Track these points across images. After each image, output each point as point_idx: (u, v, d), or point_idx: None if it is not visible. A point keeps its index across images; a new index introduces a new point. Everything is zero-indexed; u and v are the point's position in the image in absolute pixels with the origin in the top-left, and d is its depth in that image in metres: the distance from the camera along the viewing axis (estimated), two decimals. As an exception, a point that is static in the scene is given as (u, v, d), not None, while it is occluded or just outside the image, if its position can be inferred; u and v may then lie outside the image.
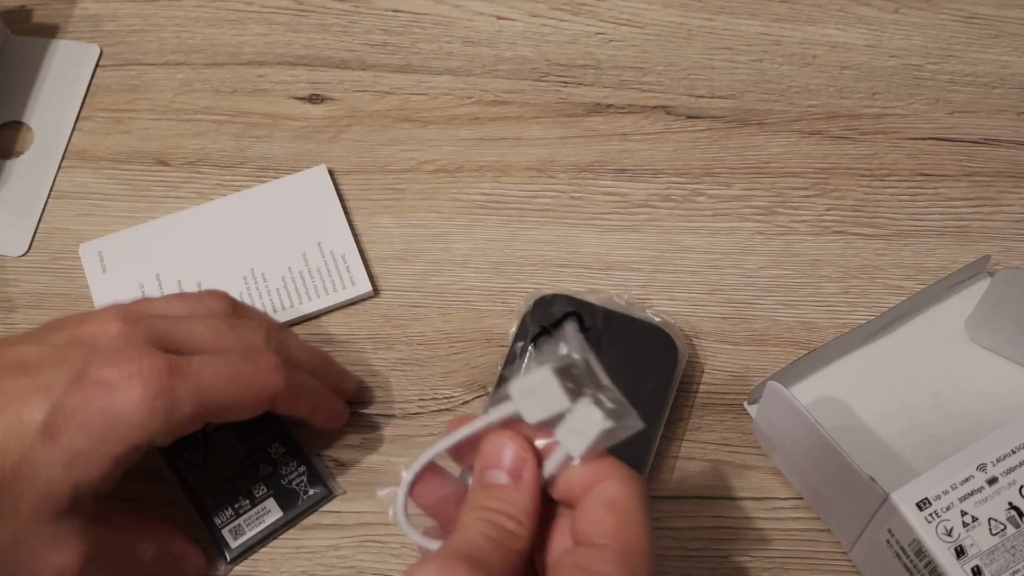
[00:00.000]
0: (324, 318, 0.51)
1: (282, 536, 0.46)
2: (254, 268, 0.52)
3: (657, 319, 0.49)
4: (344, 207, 0.53)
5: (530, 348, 0.48)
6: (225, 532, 0.46)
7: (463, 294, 0.52)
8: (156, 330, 0.41)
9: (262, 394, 0.42)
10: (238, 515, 0.46)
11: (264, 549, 0.46)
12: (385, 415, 0.49)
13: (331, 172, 0.54)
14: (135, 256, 0.52)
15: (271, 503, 0.46)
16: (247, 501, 0.46)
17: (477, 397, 0.49)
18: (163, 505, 0.47)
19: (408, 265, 0.52)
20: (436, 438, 0.48)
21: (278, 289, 0.51)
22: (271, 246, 0.52)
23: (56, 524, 0.39)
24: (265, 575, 0.46)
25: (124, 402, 0.39)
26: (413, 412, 0.49)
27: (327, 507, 0.47)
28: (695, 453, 0.48)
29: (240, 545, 0.45)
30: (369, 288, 0.51)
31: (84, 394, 0.39)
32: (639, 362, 0.48)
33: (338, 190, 0.54)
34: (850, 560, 0.45)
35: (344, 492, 0.47)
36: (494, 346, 0.50)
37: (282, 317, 0.50)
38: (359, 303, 0.51)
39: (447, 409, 0.49)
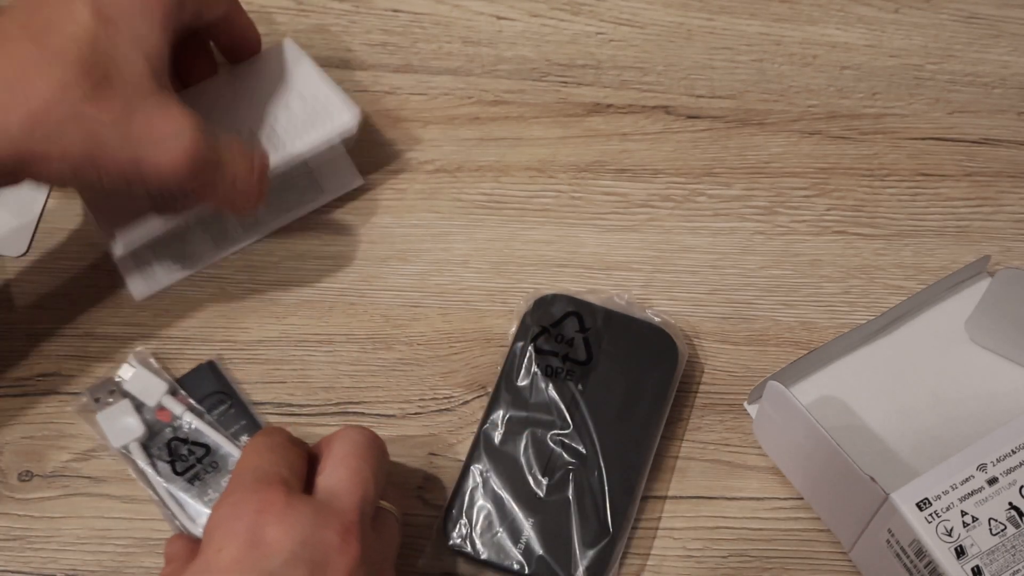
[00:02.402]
0: (324, 316, 0.51)
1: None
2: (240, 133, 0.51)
3: (657, 319, 0.49)
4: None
5: (530, 348, 0.48)
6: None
7: (463, 294, 0.52)
8: None
9: None
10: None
11: (264, 549, 0.46)
12: (385, 415, 0.49)
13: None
14: None
15: None
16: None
17: (477, 397, 0.49)
18: (138, 503, 0.47)
19: (408, 265, 0.52)
20: (435, 437, 0.48)
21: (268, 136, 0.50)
22: (252, 113, 0.51)
23: (158, 95, 0.43)
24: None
25: None
26: (413, 412, 0.49)
27: (327, 507, 0.47)
28: (695, 453, 0.48)
29: None
30: (354, 113, 0.51)
31: None
32: (639, 362, 0.48)
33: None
34: (850, 560, 0.45)
35: None
36: (494, 346, 0.50)
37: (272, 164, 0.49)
38: (359, 303, 0.51)
39: (447, 409, 0.49)
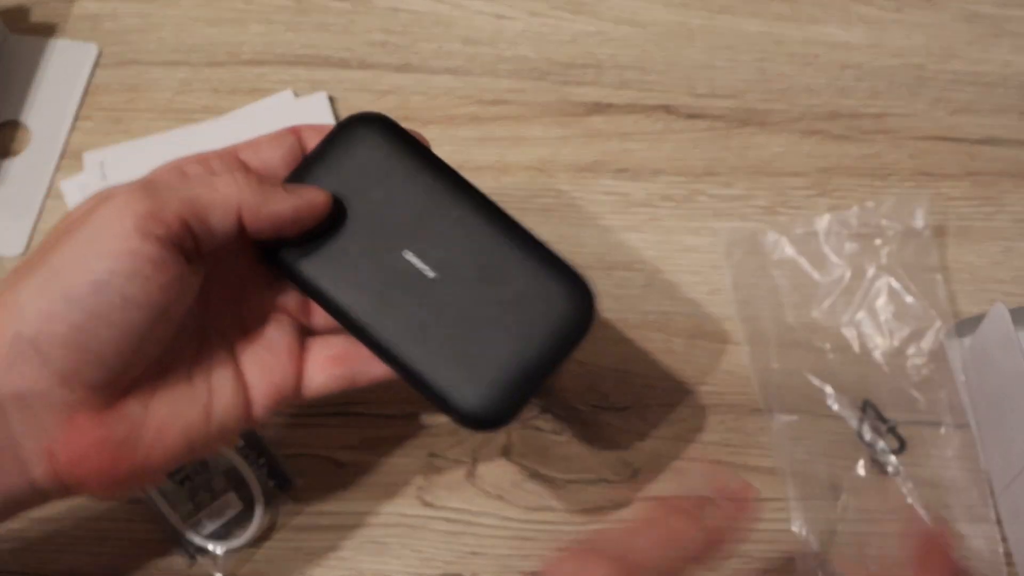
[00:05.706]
0: (323, 318, 0.51)
1: (281, 537, 0.46)
2: None
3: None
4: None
5: None
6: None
7: (463, 294, 0.51)
8: None
9: None
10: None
11: (263, 550, 0.46)
12: (385, 415, 0.49)
13: (332, 100, 0.55)
14: (138, 167, 0.46)
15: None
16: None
17: (477, 397, 0.49)
18: (138, 504, 0.46)
19: (408, 265, 0.52)
20: (435, 437, 0.48)
21: None
22: None
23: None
24: (264, 576, 0.46)
25: None
26: (413, 412, 0.49)
27: (326, 507, 0.47)
28: (696, 453, 0.48)
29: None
30: None
31: None
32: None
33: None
34: (852, 561, 0.45)
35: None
36: (494, 346, 0.50)
37: None
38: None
39: (447, 409, 0.49)
